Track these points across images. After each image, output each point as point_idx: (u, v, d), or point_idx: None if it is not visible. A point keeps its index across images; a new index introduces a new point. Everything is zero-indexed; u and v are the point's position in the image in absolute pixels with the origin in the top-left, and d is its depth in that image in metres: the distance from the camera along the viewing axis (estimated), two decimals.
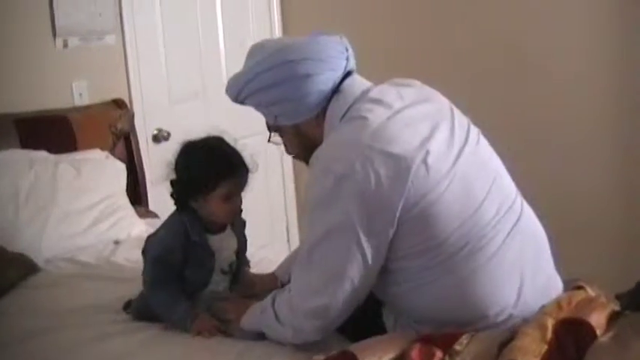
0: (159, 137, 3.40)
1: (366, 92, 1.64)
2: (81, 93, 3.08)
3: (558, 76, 2.90)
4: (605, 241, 2.86)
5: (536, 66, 2.96)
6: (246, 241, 2.02)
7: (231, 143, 1.89)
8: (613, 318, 1.45)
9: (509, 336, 1.41)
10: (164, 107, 3.41)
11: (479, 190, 1.58)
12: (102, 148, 2.98)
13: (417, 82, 1.75)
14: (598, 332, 1.40)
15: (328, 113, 1.65)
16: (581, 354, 1.35)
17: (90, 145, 2.93)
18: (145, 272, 1.90)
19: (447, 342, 1.44)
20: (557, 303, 1.50)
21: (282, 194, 3.98)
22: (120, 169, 2.97)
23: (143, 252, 1.94)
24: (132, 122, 3.16)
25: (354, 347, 1.49)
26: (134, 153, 3.16)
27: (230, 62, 3.60)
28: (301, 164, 4.04)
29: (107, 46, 3.17)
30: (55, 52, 3.00)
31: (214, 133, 1.88)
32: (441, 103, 1.71)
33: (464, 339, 1.44)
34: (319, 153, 1.60)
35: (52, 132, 2.87)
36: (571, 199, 2.86)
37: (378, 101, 1.61)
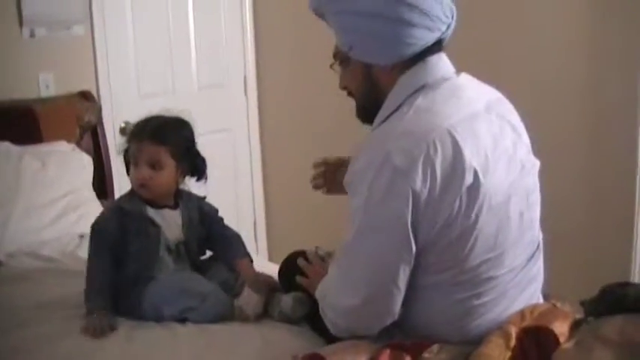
0: (126, 130, 3.36)
1: (446, 79, 1.55)
2: (47, 84, 3.02)
3: (528, 81, 2.92)
4: (572, 247, 2.89)
5: (508, 70, 2.98)
6: (199, 221, 2.04)
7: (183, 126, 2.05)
8: (576, 326, 1.48)
9: (477, 346, 1.43)
10: (132, 101, 3.37)
11: (512, 235, 1.53)
12: (68, 141, 2.94)
13: (493, 89, 1.66)
14: (561, 339, 1.42)
15: (402, 79, 1.54)
16: None
17: (56, 137, 2.89)
18: None
19: (417, 349, 1.45)
20: (521, 312, 1.52)
21: (250, 191, 3.96)
22: (86, 161, 2.93)
23: None
24: (99, 115, 3.12)
25: (324, 350, 1.50)
26: (101, 146, 3.12)
27: (200, 62, 3.59)
28: (271, 161, 4.02)
29: (75, 36, 3.11)
30: (21, 41, 2.93)
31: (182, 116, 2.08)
32: (512, 119, 1.62)
33: (434, 348, 1.45)
34: (380, 136, 1.51)
35: (17, 123, 2.82)
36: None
37: (454, 95, 1.52)
